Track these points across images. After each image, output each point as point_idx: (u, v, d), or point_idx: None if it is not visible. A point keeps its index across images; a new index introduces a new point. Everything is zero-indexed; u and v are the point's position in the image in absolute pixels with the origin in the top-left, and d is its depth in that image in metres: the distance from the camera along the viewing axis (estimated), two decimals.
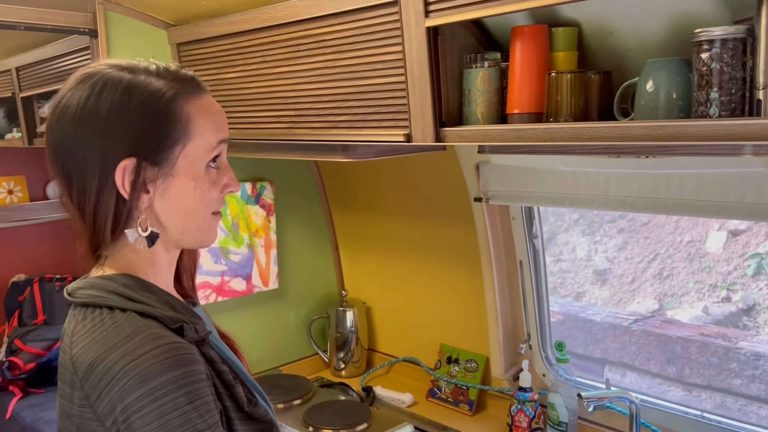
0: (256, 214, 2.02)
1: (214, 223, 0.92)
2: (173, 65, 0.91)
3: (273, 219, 2.07)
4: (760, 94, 0.89)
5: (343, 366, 2.21)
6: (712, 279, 4.40)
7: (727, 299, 4.25)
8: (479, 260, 1.82)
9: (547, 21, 1.19)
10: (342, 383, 2.08)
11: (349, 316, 2.21)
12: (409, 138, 1.28)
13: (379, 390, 2.03)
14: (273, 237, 2.07)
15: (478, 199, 1.70)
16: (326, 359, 2.25)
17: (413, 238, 2.04)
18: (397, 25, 1.23)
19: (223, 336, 1.01)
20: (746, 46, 0.92)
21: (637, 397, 1.53)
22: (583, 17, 1.17)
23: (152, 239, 0.86)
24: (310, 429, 1.62)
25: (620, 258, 4.91)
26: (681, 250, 4.61)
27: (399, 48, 1.24)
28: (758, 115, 0.90)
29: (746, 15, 0.94)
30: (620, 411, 1.61)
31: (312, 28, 1.40)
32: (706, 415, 1.53)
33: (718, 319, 4.08)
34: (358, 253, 2.27)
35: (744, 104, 0.93)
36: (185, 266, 1.00)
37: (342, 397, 1.92)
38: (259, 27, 1.51)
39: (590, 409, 1.61)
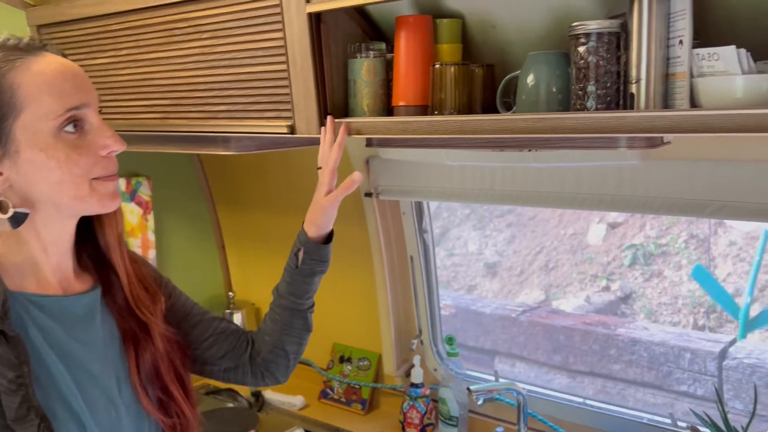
0: (132, 212, 1.88)
1: (102, 188, 0.86)
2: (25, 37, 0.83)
3: (151, 217, 1.94)
4: (633, 88, 0.91)
5: None
6: (594, 269, 4.66)
7: (607, 288, 4.51)
8: (371, 256, 1.79)
9: (431, 12, 1.16)
10: (229, 389, 1.98)
11: (237, 318, 2.11)
12: (292, 129, 1.22)
13: (268, 394, 1.95)
14: (151, 237, 1.94)
15: (368, 195, 1.67)
16: None
17: None
18: (278, 10, 1.16)
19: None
20: (620, 40, 0.94)
21: (524, 388, 1.55)
22: (466, 9, 1.16)
23: (17, 220, 0.83)
24: None
25: (509, 251, 5.09)
26: (565, 243, 4.84)
27: (280, 35, 1.18)
28: (632, 108, 0.91)
29: (621, 10, 0.96)
30: (509, 402, 1.63)
31: (187, 12, 1.30)
32: (588, 402, 1.59)
33: (599, 308, 4.32)
34: (247, 253, 2.18)
35: (619, 97, 0.95)
36: (108, 243, 0.94)
37: (229, 405, 1.82)
38: (130, 9, 1.39)
39: (480, 402, 1.63)
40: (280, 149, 1.46)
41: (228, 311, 2.10)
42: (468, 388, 1.50)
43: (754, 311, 3.31)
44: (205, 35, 1.29)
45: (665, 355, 2.70)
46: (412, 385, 1.73)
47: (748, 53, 0.84)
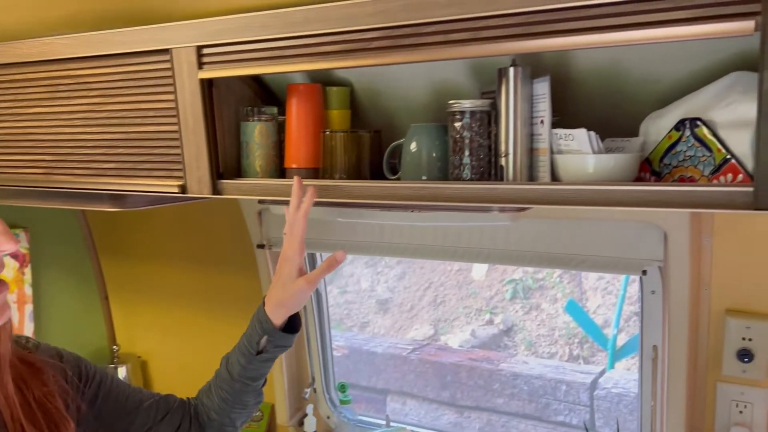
0: (7, 266, 1.78)
1: None
2: None
3: (28, 271, 1.84)
4: (503, 161, 1.02)
5: None
6: (478, 304, 4.87)
7: (491, 322, 4.73)
8: None
9: (321, 80, 1.23)
10: None
11: (122, 372, 2.03)
12: (184, 189, 1.23)
13: None
14: (28, 291, 1.84)
15: (260, 246, 1.69)
16: None
17: (194, 286, 1.96)
18: (169, 73, 1.19)
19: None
20: (491, 117, 1.05)
21: (412, 431, 1.62)
22: (355, 78, 1.24)
23: None
24: None
25: (400, 287, 5.21)
26: (451, 278, 5.03)
27: (171, 97, 1.20)
28: (501, 179, 1.02)
29: (494, 87, 1.07)
30: None
31: (73, 68, 1.29)
32: None
33: (483, 341, 4.52)
34: (133, 305, 2.11)
35: (491, 168, 1.05)
36: None
37: None
38: (11, 62, 1.36)
39: None
40: (172, 204, 1.46)
41: (112, 365, 2.02)
42: None
43: (621, 341, 3.62)
44: (93, 93, 1.29)
45: (543, 388, 2.88)
46: None
47: (597, 135, 0.97)
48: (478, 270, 4.97)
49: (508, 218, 1.14)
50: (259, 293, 1.78)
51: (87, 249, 2.06)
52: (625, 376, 2.97)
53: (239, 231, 1.73)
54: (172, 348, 2.06)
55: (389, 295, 5.23)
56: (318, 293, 1.80)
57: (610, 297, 4.38)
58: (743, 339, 1.24)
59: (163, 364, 2.11)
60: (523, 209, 1.11)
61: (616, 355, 3.57)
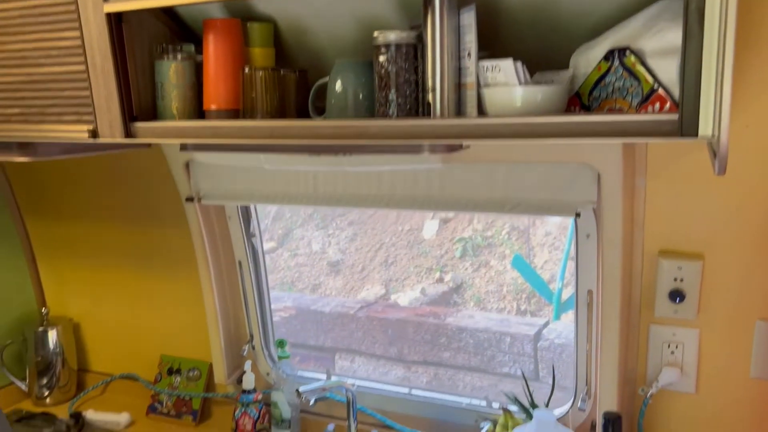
0: None
1: None
2: None
3: None
4: (429, 97, 0.97)
5: (47, 393, 1.94)
6: (429, 263, 4.88)
7: (441, 280, 4.75)
8: (196, 263, 1.73)
9: (241, 15, 1.15)
10: (45, 413, 1.83)
11: (52, 336, 1.94)
12: (95, 133, 1.15)
13: (90, 414, 1.82)
14: None
15: (189, 200, 1.61)
16: (25, 388, 1.95)
17: (125, 244, 1.87)
18: (73, 8, 1.09)
19: None
20: (417, 51, 1.00)
21: (353, 384, 1.59)
22: (278, 14, 1.16)
23: None
24: None
25: (351, 249, 5.18)
26: (402, 239, 5.02)
27: (77, 33, 1.11)
28: (428, 115, 0.97)
29: (420, 21, 1.02)
30: (339, 399, 1.67)
31: None
32: (413, 392, 1.66)
33: (433, 299, 4.54)
34: (62, 266, 2.01)
35: (418, 105, 1.00)
36: None
37: (45, 430, 1.68)
38: None
39: (311, 402, 1.64)
40: (88, 154, 1.37)
41: (41, 329, 1.93)
42: (297, 390, 1.51)
43: (567, 294, 3.68)
44: None
45: (488, 341, 2.91)
46: (244, 391, 1.71)
47: (524, 65, 0.93)
48: (429, 229, 4.97)
49: (440, 159, 1.10)
50: (190, 248, 1.71)
51: (9, 207, 1.95)
52: (568, 327, 3.02)
53: (168, 184, 1.65)
54: (105, 309, 1.98)
55: (340, 257, 5.20)
56: (254, 248, 1.74)
57: (557, 252, 4.45)
58: (675, 280, 1.25)
59: (96, 326, 2.02)
60: (454, 149, 1.07)
61: (561, 307, 3.63)
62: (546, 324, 3.01)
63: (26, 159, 1.28)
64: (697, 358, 1.29)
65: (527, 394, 1.43)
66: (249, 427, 1.69)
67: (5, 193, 1.94)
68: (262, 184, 1.51)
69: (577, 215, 1.24)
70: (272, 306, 1.85)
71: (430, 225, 4.95)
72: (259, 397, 1.71)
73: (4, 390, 1.94)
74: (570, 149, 1.18)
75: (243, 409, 1.69)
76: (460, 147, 1.09)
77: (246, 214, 1.71)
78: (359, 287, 4.93)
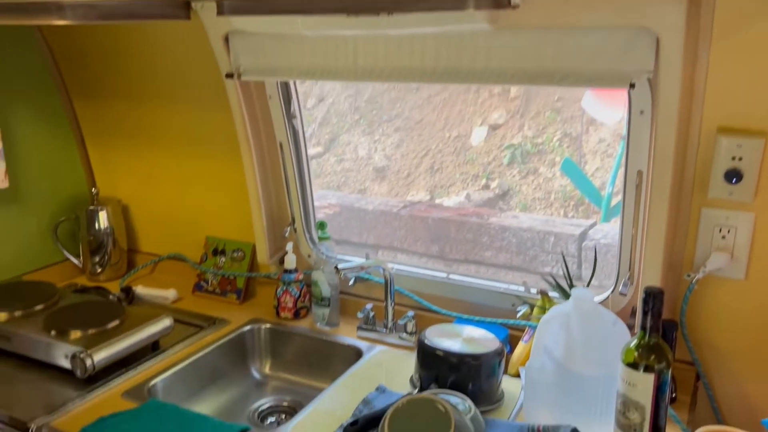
0: None
1: None
2: None
3: None
4: None
5: (99, 270, 2.03)
6: (475, 170, 4.82)
7: (487, 186, 4.69)
8: (238, 145, 1.73)
9: None
10: (98, 287, 1.91)
11: (103, 216, 2.01)
12: None
13: (140, 289, 1.90)
14: None
15: (229, 76, 1.59)
16: (79, 264, 2.05)
17: (170, 126, 1.88)
18: None
19: None
20: None
21: (392, 267, 1.60)
22: None
23: None
24: (53, 333, 1.46)
25: (397, 155, 5.14)
26: (449, 145, 4.95)
27: None
28: None
29: None
30: (377, 281, 1.68)
31: None
32: (450, 276, 1.66)
33: (478, 204, 4.51)
34: (109, 147, 2.05)
35: None
36: None
37: (94, 299, 1.76)
38: None
39: (351, 282, 1.67)
40: (127, 21, 1.35)
41: (92, 208, 2.00)
42: (336, 267, 1.53)
43: (617, 200, 3.57)
44: None
45: (532, 240, 2.88)
46: (286, 271, 1.74)
47: None
48: (477, 136, 4.87)
49: (486, 18, 1.03)
50: (232, 129, 1.71)
51: (57, 89, 1.97)
52: (615, 229, 2.96)
53: (209, 61, 1.63)
54: (152, 191, 2.03)
55: (386, 163, 5.17)
56: (294, 130, 1.73)
57: (609, 160, 4.30)
58: (733, 159, 1.17)
59: (144, 208, 2.08)
60: (501, 5, 1.00)
61: (610, 212, 3.54)
62: (593, 225, 2.95)
63: (63, 22, 1.27)
64: (750, 243, 1.23)
65: (566, 276, 1.40)
66: (290, 304, 1.73)
67: (53, 74, 1.95)
68: (301, 57, 1.47)
69: (631, 86, 1.16)
70: (316, 203, 1.85)
71: (478, 132, 4.85)
72: (300, 277, 1.74)
73: (61, 265, 2.03)
74: (629, 9, 1.09)
75: (284, 288, 1.73)
76: (508, 4, 1.01)
77: (286, 95, 1.68)
78: (404, 193, 4.92)
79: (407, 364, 1.46)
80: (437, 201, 4.69)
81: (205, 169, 1.89)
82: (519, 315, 1.46)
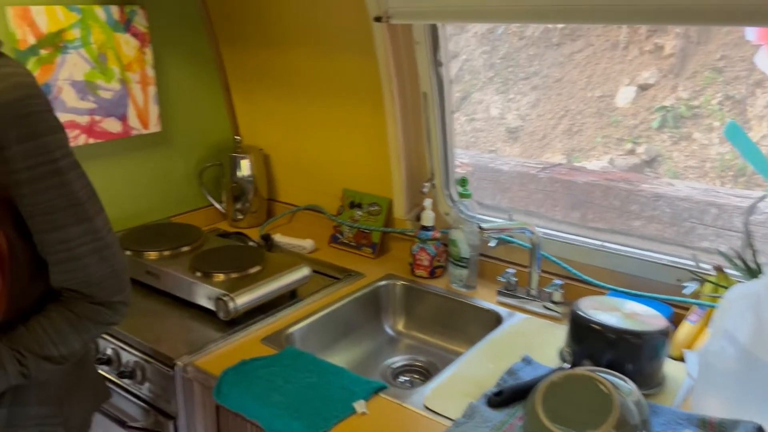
0: (128, 43, 1.75)
1: None
2: None
3: (149, 51, 1.81)
4: None
5: (240, 217, 2.07)
6: (619, 133, 4.48)
7: (632, 152, 4.35)
8: (381, 94, 1.67)
9: None
10: (239, 233, 1.95)
11: (245, 164, 2.04)
12: None
13: (278, 237, 1.92)
14: (150, 72, 1.82)
15: (378, 19, 1.51)
16: (222, 210, 2.10)
17: (313, 73, 1.85)
18: None
19: None
20: None
21: (539, 231, 1.48)
22: None
23: None
24: (198, 274, 1.50)
25: (532, 115, 4.90)
26: (591, 106, 4.62)
27: None
28: None
29: None
30: (520, 244, 1.57)
31: None
32: (606, 244, 1.52)
33: (622, 170, 4.20)
34: (252, 93, 2.06)
35: None
36: None
37: (237, 243, 1.79)
38: None
39: (492, 244, 1.57)
40: None
41: (236, 156, 2.03)
42: (479, 226, 1.44)
43: None
44: None
45: (689, 211, 2.61)
46: (423, 227, 1.68)
47: None
48: (624, 96, 4.50)
49: None
50: (376, 76, 1.64)
51: (206, 35, 2.00)
52: None
53: (355, 3, 1.56)
54: (292, 141, 2.02)
55: (520, 123, 4.94)
56: (440, 79, 1.63)
57: None
58: None
59: (284, 158, 2.08)
60: None
61: None
62: (763, 197, 2.61)
63: None
64: None
65: (752, 251, 1.22)
66: (426, 263, 1.66)
67: (204, 20, 1.98)
68: None
69: None
70: None
71: (625, 92, 4.48)
72: (438, 235, 1.67)
73: (205, 210, 2.10)
74: None
75: (421, 245, 1.67)
76: None
77: (434, 40, 1.58)
78: (538, 155, 4.69)
79: (553, 336, 1.35)
80: (576, 165, 4.43)
81: (346, 120, 1.85)
82: (687, 292, 1.30)
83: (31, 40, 1.54)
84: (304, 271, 1.57)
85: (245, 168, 2.05)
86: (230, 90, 2.10)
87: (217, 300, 1.42)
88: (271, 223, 2.07)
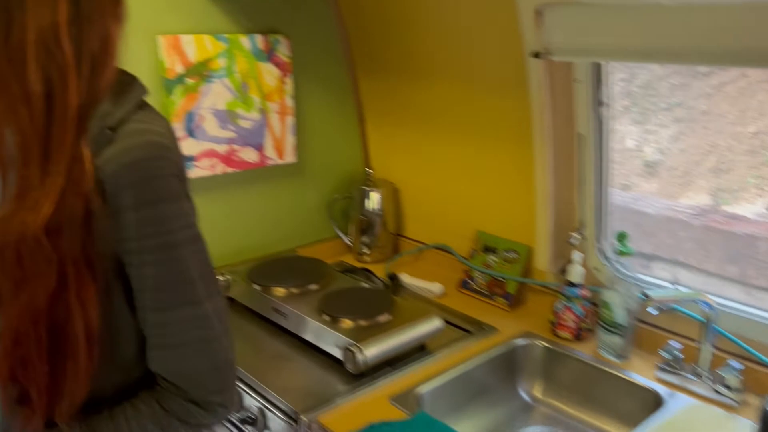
0: (270, 73, 1.73)
1: None
2: None
3: (289, 81, 1.78)
4: None
5: (366, 251, 1.99)
6: None
7: None
8: (530, 132, 1.52)
9: None
10: (365, 269, 1.87)
11: (375, 197, 1.96)
12: None
13: (405, 278, 1.82)
14: (289, 102, 1.79)
15: (537, 55, 1.38)
16: (349, 243, 2.03)
17: (452, 106, 1.75)
18: None
19: None
20: None
21: (714, 301, 1.27)
22: None
23: None
24: (325, 317, 1.42)
25: (674, 150, 4.52)
26: (743, 143, 4.19)
27: None
28: None
29: None
30: (691, 315, 1.36)
31: None
32: None
33: None
34: (387, 126, 1.99)
35: None
36: None
37: (364, 284, 1.71)
38: None
39: (655, 312, 1.38)
40: None
41: (366, 188, 1.96)
42: (644, 294, 1.25)
43: None
44: None
45: None
46: (569, 283, 1.51)
47: None
48: None
49: None
50: (526, 117, 1.50)
51: (345, 62, 1.95)
52: None
53: (510, 36, 1.44)
54: (424, 175, 1.92)
55: (659, 157, 4.58)
56: (600, 120, 1.47)
57: None
58: None
59: (414, 193, 1.99)
60: None
61: None
62: None
63: None
64: None
65: None
66: (571, 324, 1.49)
67: (344, 49, 1.93)
68: (634, 33, 1.20)
69: None
70: None
71: None
72: (587, 293, 1.50)
73: (331, 242, 2.04)
74: None
75: (566, 303, 1.50)
76: None
77: (597, 78, 1.42)
78: (678, 194, 4.31)
79: (729, 430, 1.14)
80: (723, 207, 4.02)
81: (486, 158, 1.72)
82: None
83: (180, 69, 1.54)
84: (435, 323, 1.45)
85: (375, 201, 1.97)
86: (364, 121, 2.04)
87: (346, 350, 1.33)
88: (397, 259, 1.97)
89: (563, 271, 1.57)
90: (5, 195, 0.74)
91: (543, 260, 1.62)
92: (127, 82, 0.81)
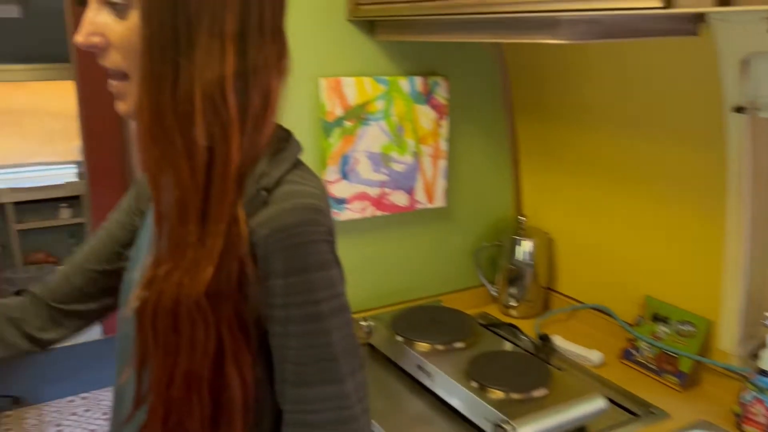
0: (426, 115, 1.67)
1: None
2: None
3: (445, 124, 1.70)
4: None
5: (513, 304, 1.86)
6: None
7: None
8: (722, 193, 1.33)
9: None
10: (511, 325, 1.74)
11: (527, 246, 1.83)
12: (668, 1, 0.83)
13: (558, 340, 1.66)
14: (443, 146, 1.72)
15: (740, 110, 1.19)
16: (494, 293, 1.91)
17: (622, 156, 1.58)
18: None
19: None
20: None
21: None
22: None
23: None
24: (473, 384, 1.31)
25: None
26: None
27: None
28: None
29: None
30: None
31: None
32: None
33: None
34: (544, 172, 1.85)
35: None
36: None
37: (510, 344, 1.58)
38: None
39: None
40: (625, 39, 1.07)
41: (517, 237, 1.83)
42: None
43: None
44: None
45: None
46: (761, 371, 1.28)
47: None
48: None
49: None
50: (721, 172, 1.31)
51: (502, 104, 1.84)
52: None
53: (706, 87, 1.26)
54: (584, 228, 1.76)
55: None
56: None
57: None
58: None
59: (571, 245, 1.83)
60: None
61: None
62: None
63: (556, 41, 1.05)
64: None
65: None
66: (763, 420, 1.27)
67: (503, 90, 1.83)
68: None
69: None
70: None
71: None
72: None
73: (476, 290, 1.93)
74: None
75: (756, 395, 1.28)
76: None
77: None
78: None
79: None
80: None
81: (662, 216, 1.54)
82: None
83: (339, 112, 1.52)
84: (599, 403, 1.29)
85: (526, 251, 1.83)
86: (519, 164, 1.91)
87: (497, 426, 1.21)
88: (548, 317, 1.82)
89: (755, 355, 1.34)
90: (158, 252, 0.72)
91: (729, 340, 1.40)
92: (284, 138, 0.78)
